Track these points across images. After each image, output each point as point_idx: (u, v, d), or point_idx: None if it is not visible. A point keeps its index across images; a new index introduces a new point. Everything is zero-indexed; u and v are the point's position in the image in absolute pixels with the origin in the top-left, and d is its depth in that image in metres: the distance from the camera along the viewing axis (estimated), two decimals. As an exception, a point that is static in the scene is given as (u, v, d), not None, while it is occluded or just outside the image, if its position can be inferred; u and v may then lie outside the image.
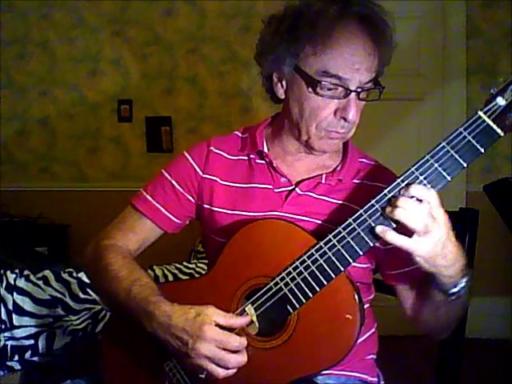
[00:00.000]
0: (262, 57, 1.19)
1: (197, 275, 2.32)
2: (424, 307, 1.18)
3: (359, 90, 1.12)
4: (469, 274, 1.07)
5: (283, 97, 1.20)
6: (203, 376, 1.05)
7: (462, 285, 1.06)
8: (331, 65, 1.10)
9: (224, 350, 1.02)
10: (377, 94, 1.15)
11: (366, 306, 1.23)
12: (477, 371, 2.67)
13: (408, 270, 1.18)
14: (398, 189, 0.99)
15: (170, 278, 2.31)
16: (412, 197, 0.97)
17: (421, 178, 0.98)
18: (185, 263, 2.47)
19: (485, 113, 0.96)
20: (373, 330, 1.27)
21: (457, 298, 1.08)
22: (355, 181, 1.23)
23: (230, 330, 1.05)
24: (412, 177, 0.99)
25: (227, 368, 1.03)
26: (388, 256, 1.20)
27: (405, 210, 0.96)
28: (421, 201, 0.97)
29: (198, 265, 2.45)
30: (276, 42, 1.14)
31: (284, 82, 1.18)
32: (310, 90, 1.12)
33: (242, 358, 1.03)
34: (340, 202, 1.19)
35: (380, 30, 1.12)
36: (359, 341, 1.20)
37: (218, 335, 1.01)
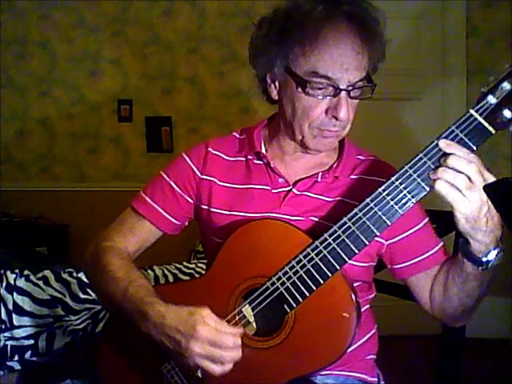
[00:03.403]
0: (255, 59, 1.20)
1: (197, 275, 2.32)
2: (450, 286, 1.15)
3: (349, 88, 1.11)
4: (502, 246, 1.05)
5: (277, 98, 1.20)
6: (199, 375, 1.05)
7: (494, 255, 1.05)
8: (320, 65, 1.10)
9: (218, 347, 1.01)
10: (369, 92, 1.15)
11: (366, 307, 1.24)
12: (477, 371, 2.67)
13: (419, 260, 1.19)
14: (392, 187, 1.00)
15: (170, 278, 2.31)
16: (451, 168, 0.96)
17: (414, 175, 0.99)
18: (185, 263, 2.47)
19: (476, 111, 0.97)
20: (373, 331, 1.27)
21: (486, 269, 1.07)
22: (352, 177, 1.23)
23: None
24: (406, 175, 0.99)
25: (223, 364, 1.02)
26: (394, 250, 1.20)
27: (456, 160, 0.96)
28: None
29: (198, 265, 2.45)
30: (266, 44, 1.15)
31: (277, 83, 1.19)
32: (299, 90, 1.13)
33: (236, 354, 1.03)
34: (337, 199, 1.19)
35: (369, 27, 1.11)
36: (359, 342, 1.20)
37: (211, 334, 1.00)
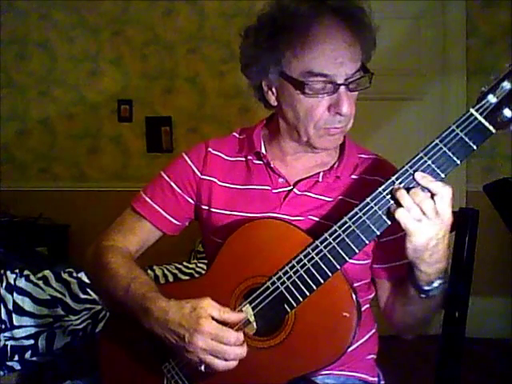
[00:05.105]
0: (248, 69, 1.19)
1: (197, 275, 2.32)
2: (396, 302, 1.20)
3: (347, 82, 1.11)
4: (445, 278, 1.09)
5: (276, 103, 1.20)
6: (202, 369, 1.04)
7: (436, 285, 1.08)
8: (314, 64, 1.09)
9: (221, 342, 1.01)
10: (367, 81, 1.14)
11: (366, 306, 1.24)
12: (477, 371, 2.67)
13: (396, 264, 1.20)
14: (392, 186, 1.00)
15: (170, 278, 2.31)
16: (427, 190, 0.98)
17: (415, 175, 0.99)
18: (185, 263, 2.47)
19: (476, 110, 0.97)
20: (373, 330, 1.27)
21: (427, 298, 1.10)
22: (353, 176, 1.23)
23: (226, 324, 1.04)
24: (406, 174, 0.99)
25: (226, 360, 1.02)
26: (381, 250, 1.20)
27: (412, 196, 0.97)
28: (434, 195, 0.97)
29: (198, 265, 2.45)
30: (257, 52, 1.14)
31: (274, 89, 1.18)
32: (298, 92, 1.12)
33: (240, 350, 1.03)
34: (338, 199, 1.19)
35: (357, 18, 1.11)
36: (360, 342, 1.20)
37: (214, 329, 1.01)
